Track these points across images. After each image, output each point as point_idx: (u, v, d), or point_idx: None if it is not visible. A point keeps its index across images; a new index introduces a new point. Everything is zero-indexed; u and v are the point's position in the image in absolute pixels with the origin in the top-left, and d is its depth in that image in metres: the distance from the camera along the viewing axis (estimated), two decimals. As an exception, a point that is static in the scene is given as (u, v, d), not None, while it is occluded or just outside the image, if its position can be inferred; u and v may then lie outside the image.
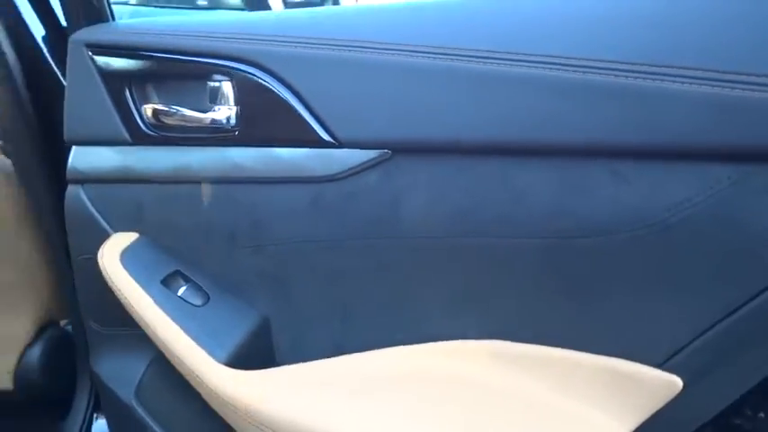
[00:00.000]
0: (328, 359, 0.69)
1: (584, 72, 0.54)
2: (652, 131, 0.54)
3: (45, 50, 0.83)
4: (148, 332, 0.71)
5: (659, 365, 0.58)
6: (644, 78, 0.53)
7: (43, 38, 0.84)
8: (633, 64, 0.54)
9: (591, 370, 0.60)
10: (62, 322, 1.09)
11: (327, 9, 0.73)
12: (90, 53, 0.70)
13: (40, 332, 1.06)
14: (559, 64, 0.55)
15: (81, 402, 1.04)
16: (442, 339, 0.65)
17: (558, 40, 0.56)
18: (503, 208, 0.60)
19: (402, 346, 0.67)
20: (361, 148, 0.62)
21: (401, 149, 0.61)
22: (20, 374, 1.03)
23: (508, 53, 0.57)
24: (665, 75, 0.52)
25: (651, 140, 0.54)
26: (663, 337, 0.58)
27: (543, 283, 0.61)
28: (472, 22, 0.60)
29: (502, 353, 0.63)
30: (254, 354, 0.72)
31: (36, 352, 1.04)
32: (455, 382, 0.64)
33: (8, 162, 0.88)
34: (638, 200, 0.56)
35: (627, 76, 0.53)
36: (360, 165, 0.62)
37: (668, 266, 0.56)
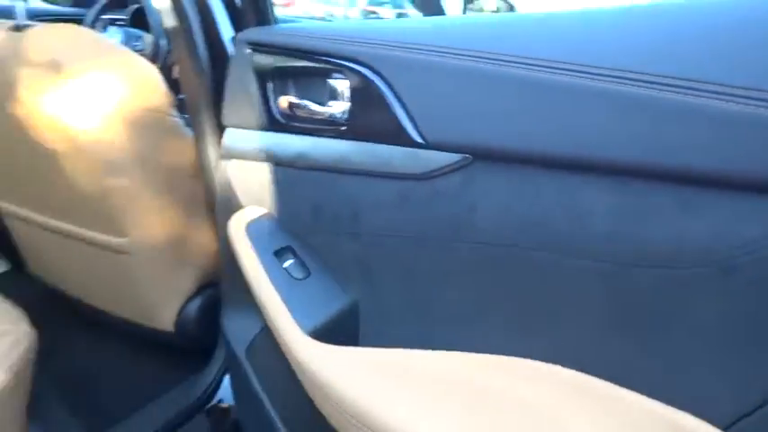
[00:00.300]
0: (401, 350, 0.71)
1: (659, 90, 0.51)
2: (728, 160, 0.48)
3: (229, 49, 0.99)
4: (255, 295, 0.80)
5: (724, 428, 0.50)
6: (726, 101, 0.48)
7: (231, 38, 0.99)
8: (715, 84, 0.48)
9: (648, 416, 0.54)
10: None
11: (438, 19, 0.77)
12: (248, 50, 0.82)
13: (200, 289, 1.24)
14: (634, 80, 0.52)
15: (219, 355, 1.19)
16: (504, 353, 0.64)
17: (639, 55, 0.53)
18: (565, 225, 0.58)
19: (469, 354, 0.67)
20: (446, 151, 0.64)
21: (481, 155, 0.62)
22: (179, 321, 1.22)
23: (585, 66, 0.55)
24: (750, 98, 0.47)
25: (726, 169, 0.48)
26: (728, 395, 0.50)
27: (600, 310, 0.57)
28: (556, 35, 0.60)
29: (558, 378, 0.60)
30: (340, 333, 0.78)
31: (194, 305, 1.22)
32: (507, 399, 0.63)
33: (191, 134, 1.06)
34: (705, 233, 0.50)
35: (708, 97, 0.48)
36: (443, 167, 0.64)
37: (735, 313, 0.49)
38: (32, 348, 1.02)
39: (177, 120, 1.11)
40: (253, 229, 0.83)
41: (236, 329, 0.96)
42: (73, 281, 1.34)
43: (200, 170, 1.06)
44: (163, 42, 1.66)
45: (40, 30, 1.03)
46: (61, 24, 1.05)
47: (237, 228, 0.83)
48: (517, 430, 0.61)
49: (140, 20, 1.76)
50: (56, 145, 1.03)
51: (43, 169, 1.09)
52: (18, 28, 1.04)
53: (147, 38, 1.70)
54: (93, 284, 1.29)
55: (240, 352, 0.93)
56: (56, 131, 1.01)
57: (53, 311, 1.22)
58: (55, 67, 0.98)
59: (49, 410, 1.13)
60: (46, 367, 1.10)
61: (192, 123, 1.00)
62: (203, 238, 1.19)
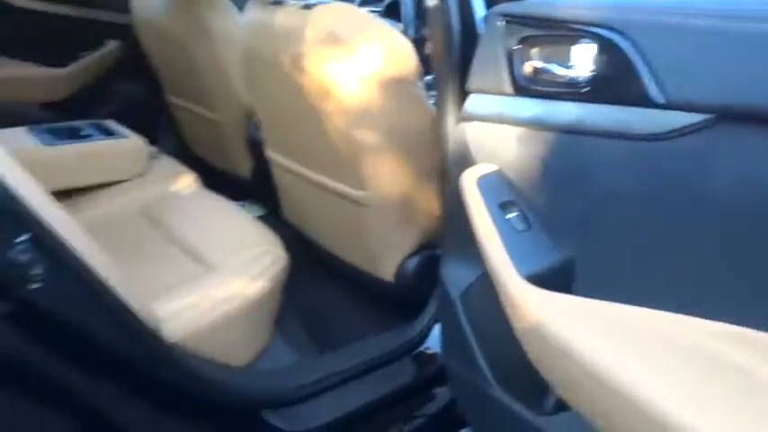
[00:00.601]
0: (617, 304, 0.73)
1: None
2: None
3: (478, 26, 1.08)
4: (478, 241, 0.88)
5: None
6: None
7: (482, 17, 1.08)
8: None
9: None
10: (438, 250, 1.35)
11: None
12: (500, 22, 0.90)
13: (420, 248, 1.36)
14: None
15: (431, 308, 1.30)
16: (723, 320, 0.63)
17: None
18: None
19: (691, 318, 0.67)
20: (689, 111, 0.65)
21: (725, 115, 0.62)
22: (399, 274, 1.35)
23: None
24: None
25: None
26: None
27: None
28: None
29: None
30: (554, 286, 0.82)
31: (414, 262, 1.34)
32: (730, 367, 0.62)
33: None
34: None
35: None
36: (684, 127, 0.65)
37: None
38: (286, 269, 1.23)
39: (423, 91, 1.24)
40: (482, 182, 0.91)
41: (454, 276, 1.05)
42: (317, 227, 1.56)
43: (437, 136, 1.18)
44: (410, 32, 1.84)
45: (324, 8, 1.22)
46: (340, 3, 1.24)
47: (469, 180, 0.92)
48: (749, 405, 0.60)
49: (393, 12, 1.97)
50: (323, 105, 1.22)
51: (310, 127, 1.30)
52: (307, 6, 1.25)
53: (398, 27, 1.90)
54: (333, 232, 1.49)
55: (454, 294, 1.02)
56: (325, 93, 1.20)
57: (297, 251, 1.43)
58: (333, 38, 1.16)
59: (289, 325, 1.34)
60: (289, 294, 1.30)
61: (437, 92, 1.12)
62: (429, 202, 1.31)
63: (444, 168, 1.14)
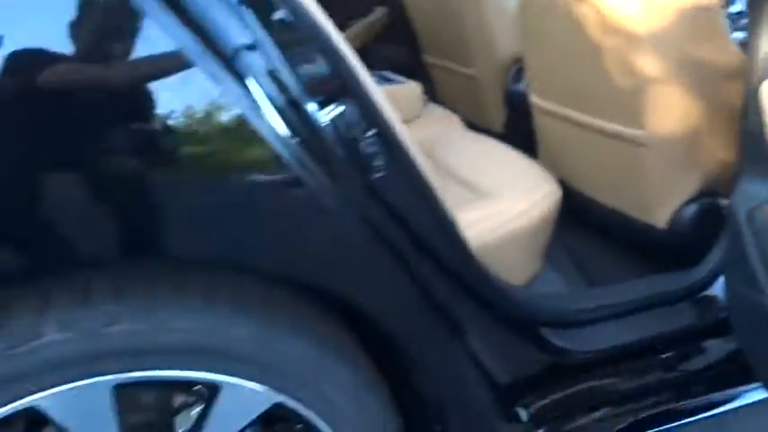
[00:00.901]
0: None
1: None
2: None
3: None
4: None
5: None
6: None
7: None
8: None
9: None
10: (721, 200, 1.26)
11: None
12: None
13: (700, 195, 1.28)
14: None
15: (712, 258, 1.22)
16: None
17: None
18: None
19: None
20: None
21: None
22: (674, 220, 1.29)
23: None
24: None
25: None
26: None
27: None
28: None
29: None
30: None
31: (692, 209, 1.27)
32: None
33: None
34: None
35: None
36: None
37: None
38: (559, 204, 1.25)
39: (724, 19, 1.16)
40: None
41: (744, 198, 0.98)
42: (580, 173, 1.54)
43: (739, 66, 1.09)
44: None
45: None
46: None
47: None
48: None
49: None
50: (606, 39, 1.21)
51: (588, 64, 1.29)
52: None
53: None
54: (599, 177, 1.46)
55: (740, 214, 0.97)
56: (610, 25, 1.18)
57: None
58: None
59: (557, 257, 1.36)
60: (555, 233, 1.32)
61: (751, 11, 1.04)
62: (718, 144, 1.23)
63: (745, 100, 1.06)
